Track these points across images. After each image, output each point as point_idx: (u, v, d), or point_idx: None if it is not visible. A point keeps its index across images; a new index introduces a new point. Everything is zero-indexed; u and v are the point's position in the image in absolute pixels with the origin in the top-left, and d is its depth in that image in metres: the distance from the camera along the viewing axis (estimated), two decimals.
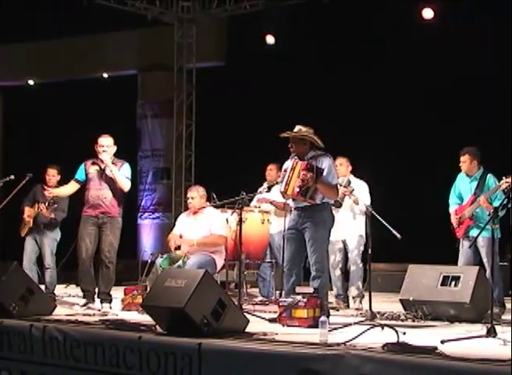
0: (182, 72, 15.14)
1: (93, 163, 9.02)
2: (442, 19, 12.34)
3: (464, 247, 8.58)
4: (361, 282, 9.16)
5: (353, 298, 9.07)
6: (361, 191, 9.07)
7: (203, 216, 9.12)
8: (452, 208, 8.80)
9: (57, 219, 10.04)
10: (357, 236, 9.10)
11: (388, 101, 12.60)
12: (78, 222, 9.00)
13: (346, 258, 9.32)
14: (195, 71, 15.13)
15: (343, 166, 9.29)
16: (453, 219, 8.73)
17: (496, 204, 8.23)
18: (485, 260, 8.39)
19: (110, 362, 6.38)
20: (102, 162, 8.93)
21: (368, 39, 12.54)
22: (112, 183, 8.90)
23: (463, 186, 8.75)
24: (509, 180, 8.08)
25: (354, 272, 9.13)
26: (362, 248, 9.02)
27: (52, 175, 10.17)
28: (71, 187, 9.19)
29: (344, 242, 9.25)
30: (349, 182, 9.09)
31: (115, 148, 9.02)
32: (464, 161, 8.65)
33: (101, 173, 8.94)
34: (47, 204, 9.75)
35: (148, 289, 7.97)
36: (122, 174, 8.92)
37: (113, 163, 8.93)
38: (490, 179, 8.56)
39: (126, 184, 8.94)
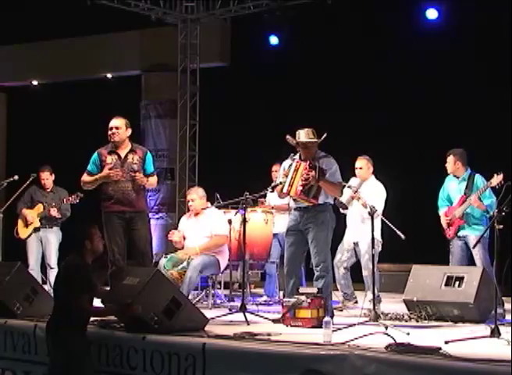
0: (185, 72, 15.12)
1: (110, 152, 8.23)
2: (447, 19, 12.33)
3: (455, 247, 8.63)
4: (377, 286, 8.97)
5: (370, 301, 8.99)
6: (372, 193, 8.96)
7: (204, 217, 9.12)
8: (441, 211, 8.86)
9: (62, 218, 10.08)
10: (368, 239, 9.04)
11: (392, 100, 12.58)
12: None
13: (356, 260, 9.26)
14: (199, 71, 15.12)
15: (363, 169, 9.16)
16: (443, 221, 8.77)
17: (487, 202, 8.34)
18: (478, 260, 8.40)
19: (114, 362, 6.40)
20: (116, 147, 8.19)
21: (372, 38, 12.53)
22: (137, 171, 8.14)
23: (452, 187, 8.83)
24: (500, 177, 8.12)
25: (368, 277, 9.08)
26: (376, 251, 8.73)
27: (46, 178, 10.17)
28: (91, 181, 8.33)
29: (356, 244, 9.21)
30: (361, 183, 9.05)
31: (129, 131, 8.26)
32: (449, 162, 8.79)
33: (123, 161, 8.18)
34: (59, 205, 9.85)
35: None
36: (148, 170, 8.21)
37: (133, 150, 8.24)
38: (478, 179, 8.63)
39: (152, 182, 8.31)
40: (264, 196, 9.81)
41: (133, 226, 8.16)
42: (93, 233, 6.33)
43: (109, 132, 8.17)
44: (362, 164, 9.21)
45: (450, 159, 8.76)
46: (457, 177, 8.77)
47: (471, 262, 8.49)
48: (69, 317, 6.13)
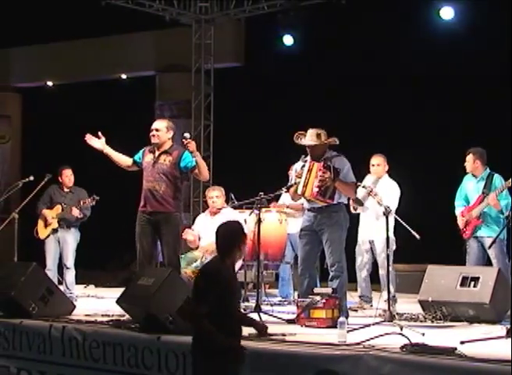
0: (200, 72, 15.14)
1: (150, 151, 8.07)
2: (461, 18, 12.29)
3: (472, 248, 8.60)
4: (394, 286, 8.83)
5: (385, 301, 8.95)
6: (386, 191, 8.93)
7: (221, 217, 9.12)
8: (458, 210, 8.82)
9: (84, 218, 10.11)
10: (383, 237, 8.99)
11: (405, 100, 12.56)
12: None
13: (373, 259, 9.25)
14: (213, 72, 15.13)
15: (380, 166, 9.18)
16: (460, 221, 8.74)
17: (503, 203, 8.30)
18: (494, 261, 8.38)
19: (129, 362, 6.41)
20: (156, 147, 7.98)
21: (385, 39, 12.50)
22: (166, 173, 7.88)
23: (470, 187, 8.79)
24: None
25: (385, 276, 9.03)
26: (391, 250, 8.48)
27: (69, 175, 10.20)
28: (127, 161, 8.22)
29: (372, 243, 9.18)
30: (376, 181, 9.02)
31: (170, 133, 8.01)
32: (468, 160, 8.73)
33: (154, 162, 7.95)
34: (79, 206, 9.88)
35: None
36: (185, 167, 7.92)
37: (167, 152, 7.93)
38: (497, 179, 8.58)
39: (203, 172, 8.03)
40: (279, 197, 9.80)
41: (159, 229, 7.87)
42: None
43: (150, 133, 8.02)
44: (379, 161, 9.20)
45: (470, 158, 8.68)
46: (475, 177, 8.71)
47: (487, 262, 8.47)
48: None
